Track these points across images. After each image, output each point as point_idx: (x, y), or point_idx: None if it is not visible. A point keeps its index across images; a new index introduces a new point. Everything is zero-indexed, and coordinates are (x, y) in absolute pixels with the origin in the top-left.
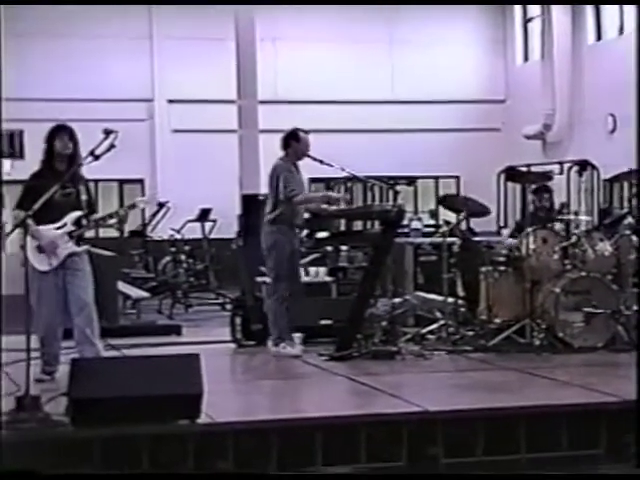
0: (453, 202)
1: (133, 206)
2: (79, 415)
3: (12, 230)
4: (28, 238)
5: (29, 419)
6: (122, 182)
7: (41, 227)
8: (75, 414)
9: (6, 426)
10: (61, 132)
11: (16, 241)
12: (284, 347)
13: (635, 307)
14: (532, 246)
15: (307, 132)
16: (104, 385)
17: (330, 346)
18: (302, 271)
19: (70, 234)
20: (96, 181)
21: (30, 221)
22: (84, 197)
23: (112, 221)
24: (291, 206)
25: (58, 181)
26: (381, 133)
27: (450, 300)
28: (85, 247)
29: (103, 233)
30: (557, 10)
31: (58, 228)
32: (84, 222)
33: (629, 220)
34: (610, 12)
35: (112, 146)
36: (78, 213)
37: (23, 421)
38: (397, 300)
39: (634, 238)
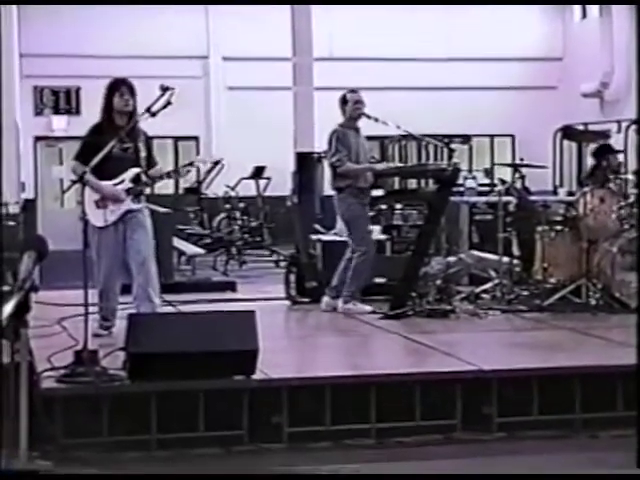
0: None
1: (191, 164)
2: (136, 370)
3: (71, 186)
4: (86, 192)
5: (87, 373)
6: (177, 139)
7: (101, 182)
8: (132, 369)
9: (64, 380)
10: (121, 87)
11: (74, 196)
12: (354, 304)
13: None
14: (589, 206)
15: (355, 90)
16: (161, 340)
17: (384, 304)
18: None
19: (128, 191)
20: (151, 138)
21: (89, 175)
22: (143, 154)
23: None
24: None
25: (116, 136)
26: (436, 91)
27: (505, 259)
28: (143, 204)
29: (159, 190)
30: None
31: (117, 184)
32: (143, 179)
33: None
34: None
35: (168, 103)
36: (136, 170)
37: (81, 375)
38: (452, 259)
39: None
